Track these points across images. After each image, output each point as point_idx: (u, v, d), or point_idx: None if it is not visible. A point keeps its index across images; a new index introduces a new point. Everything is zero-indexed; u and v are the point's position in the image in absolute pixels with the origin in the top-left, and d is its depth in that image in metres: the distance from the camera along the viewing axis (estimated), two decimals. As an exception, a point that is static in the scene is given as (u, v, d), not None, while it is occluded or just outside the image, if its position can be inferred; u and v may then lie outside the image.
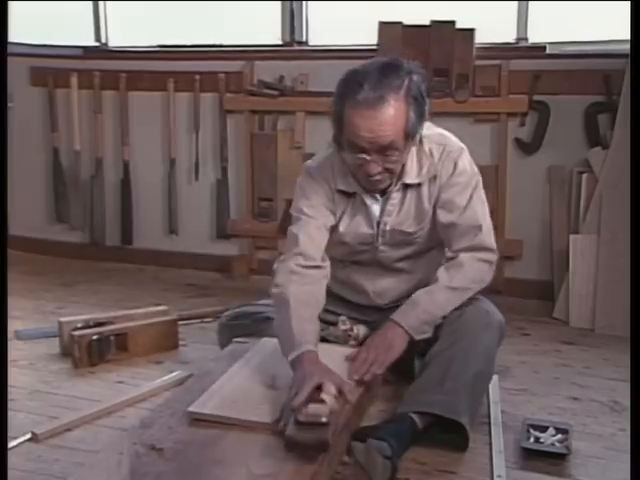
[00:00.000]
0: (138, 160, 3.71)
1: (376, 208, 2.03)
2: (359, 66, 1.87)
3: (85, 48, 3.81)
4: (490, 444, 1.88)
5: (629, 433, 1.76)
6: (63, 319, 2.54)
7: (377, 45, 3.22)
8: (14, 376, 2.29)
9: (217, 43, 3.60)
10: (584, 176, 2.92)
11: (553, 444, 1.85)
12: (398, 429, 1.76)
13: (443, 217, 2.00)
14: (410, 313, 1.95)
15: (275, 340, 1.92)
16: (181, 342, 2.63)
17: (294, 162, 3.34)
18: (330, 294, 2.15)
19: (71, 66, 3.70)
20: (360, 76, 1.82)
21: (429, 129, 1.98)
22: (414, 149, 1.96)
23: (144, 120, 3.66)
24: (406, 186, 2.00)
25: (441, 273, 1.98)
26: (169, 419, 1.74)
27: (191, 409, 1.74)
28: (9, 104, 3.59)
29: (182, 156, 3.63)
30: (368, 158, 1.85)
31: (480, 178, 2.03)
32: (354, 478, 1.71)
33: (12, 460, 1.75)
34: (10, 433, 1.84)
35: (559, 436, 1.87)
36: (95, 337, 2.43)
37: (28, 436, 1.92)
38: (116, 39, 3.84)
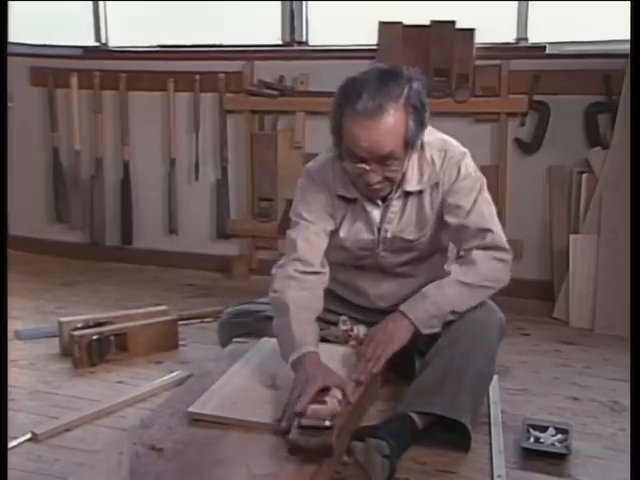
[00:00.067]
0: (138, 160, 3.71)
1: (376, 214, 2.02)
2: (358, 74, 1.85)
3: (85, 48, 3.81)
4: (490, 444, 1.88)
5: (629, 433, 1.76)
6: (63, 319, 2.54)
7: (377, 45, 3.22)
8: (14, 376, 2.29)
9: (217, 43, 3.60)
10: (584, 176, 2.92)
11: (553, 444, 1.85)
12: (398, 429, 1.76)
13: (451, 221, 1.98)
14: (418, 305, 1.90)
15: (275, 340, 1.92)
16: (181, 342, 2.63)
17: (294, 162, 3.35)
18: (331, 294, 2.15)
19: (71, 66, 3.70)
20: (359, 84, 1.81)
21: (431, 134, 1.96)
22: (415, 156, 1.94)
23: (144, 120, 3.66)
24: (407, 193, 1.98)
25: (454, 268, 1.95)
26: (169, 419, 1.74)
27: (191, 409, 1.73)
28: (9, 104, 3.59)
29: (182, 156, 3.63)
30: (368, 168, 1.84)
31: (484, 181, 2.01)
32: (354, 478, 1.71)
33: (12, 460, 1.75)
34: (10, 433, 1.84)
35: (559, 436, 1.87)
36: (95, 337, 2.43)
37: (28, 436, 1.92)
38: (116, 39, 3.84)
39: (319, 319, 1.94)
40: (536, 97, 3.06)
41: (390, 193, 1.97)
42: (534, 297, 3.11)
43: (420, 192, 1.99)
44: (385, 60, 3.13)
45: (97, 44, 3.84)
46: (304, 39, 3.55)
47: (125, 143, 3.68)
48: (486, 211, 1.99)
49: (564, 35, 3.14)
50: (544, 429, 1.90)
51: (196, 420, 1.72)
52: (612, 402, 2.16)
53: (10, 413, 1.93)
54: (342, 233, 2.04)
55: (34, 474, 1.76)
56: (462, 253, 1.98)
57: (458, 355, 1.87)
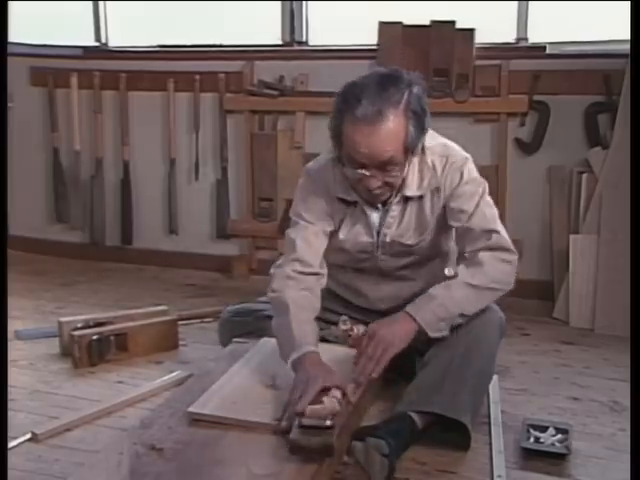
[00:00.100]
0: (138, 160, 3.71)
1: (375, 217, 2.01)
2: (358, 78, 1.84)
3: (85, 48, 3.81)
4: (490, 444, 1.88)
5: (629, 433, 1.76)
6: (63, 319, 2.54)
7: (377, 45, 3.22)
8: (14, 376, 2.29)
9: (217, 43, 3.60)
10: (584, 176, 2.92)
11: (553, 444, 1.85)
12: (397, 428, 1.76)
13: (455, 225, 1.97)
14: (425, 307, 1.86)
15: (275, 340, 1.92)
16: (181, 342, 2.63)
17: (294, 162, 3.35)
18: (332, 294, 2.15)
19: (71, 66, 3.69)
20: (358, 89, 1.80)
21: (432, 139, 1.95)
22: (416, 160, 1.93)
23: (144, 120, 3.66)
24: (406, 198, 1.98)
25: (461, 269, 1.91)
26: (169, 419, 1.74)
27: (191, 410, 1.74)
28: (9, 104, 3.59)
29: (182, 156, 3.63)
30: (368, 173, 1.84)
31: (486, 185, 1.99)
32: (354, 478, 1.71)
33: (12, 460, 1.75)
34: (10, 433, 1.84)
35: (559, 436, 1.87)
36: (95, 337, 2.43)
37: (28, 436, 1.92)
38: (116, 39, 3.83)
39: (319, 319, 1.94)
40: (536, 97, 3.06)
41: (390, 197, 1.97)
42: (534, 297, 3.10)
43: (420, 197, 1.98)
44: (385, 60, 3.14)
45: (97, 44, 3.84)
46: (304, 39, 3.55)
47: (125, 143, 3.68)
48: (489, 213, 1.97)
49: (564, 35, 3.13)
50: (544, 429, 1.90)
51: (196, 420, 1.72)
52: (612, 402, 2.16)
53: (10, 413, 1.93)
54: (342, 235, 2.04)
55: (34, 474, 1.76)
56: (467, 255, 1.95)
57: (458, 354, 1.86)
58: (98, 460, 1.62)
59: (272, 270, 2.00)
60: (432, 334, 1.86)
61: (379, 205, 2.00)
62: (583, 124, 3.04)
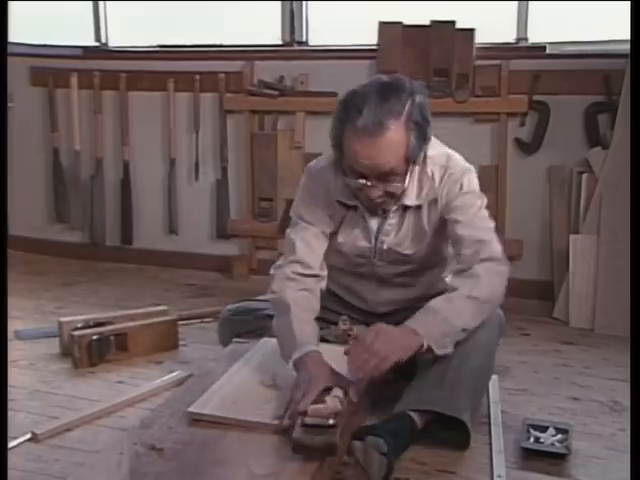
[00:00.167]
0: (138, 160, 3.71)
1: (374, 223, 2.00)
2: (359, 87, 1.82)
3: (85, 48, 3.81)
4: (490, 444, 1.88)
5: (629, 433, 1.76)
6: (63, 319, 2.54)
7: (377, 45, 3.22)
8: (14, 376, 2.29)
9: (217, 43, 3.60)
10: (584, 176, 2.92)
11: (553, 444, 1.85)
12: (396, 427, 1.76)
13: (451, 235, 1.96)
14: (429, 322, 1.77)
15: (275, 340, 1.92)
16: (181, 342, 2.63)
17: (294, 162, 3.35)
18: (332, 294, 2.15)
19: (71, 66, 3.69)
20: (360, 99, 1.78)
21: (434, 148, 1.93)
22: (416, 169, 1.92)
23: (144, 120, 3.66)
24: (405, 207, 1.97)
25: (458, 283, 1.85)
26: (169, 419, 1.74)
27: (191, 410, 1.74)
28: (9, 104, 3.59)
29: (182, 156, 3.63)
30: (369, 183, 1.83)
31: (485, 200, 1.97)
32: (354, 478, 1.71)
33: (12, 460, 1.75)
34: (10, 433, 1.84)
35: (559, 436, 1.87)
36: (95, 337, 2.43)
37: (28, 436, 1.92)
38: (116, 39, 3.84)
39: (319, 319, 1.94)
40: (536, 97, 3.06)
41: (390, 205, 1.96)
42: (534, 297, 3.11)
43: (418, 207, 1.97)
44: (385, 60, 3.15)
45: (97, 44, 3.84)
46: (304, 39, 3.55)
47: (125, 143, 3.68)
48: (485, 225, 1.95)
49: (564, 35, 3.14)
50: (544, 429, 1.90)
51: (196, 420, 1.72)
52: (612, 402, 2.16)
53: (10, 413, 1.93)
54: (340, 238, 2.04)
55: (34, 474, 1.76)
56: (462, 266, 1.91)
57: (457, 353, 1.84)
58: (98, 460, 1.62)
59: (272, 271, 2.00)
60: (438, 351, 1.77)
61: (379, 211, 1.99)
62: (583, 124, 3.04)
